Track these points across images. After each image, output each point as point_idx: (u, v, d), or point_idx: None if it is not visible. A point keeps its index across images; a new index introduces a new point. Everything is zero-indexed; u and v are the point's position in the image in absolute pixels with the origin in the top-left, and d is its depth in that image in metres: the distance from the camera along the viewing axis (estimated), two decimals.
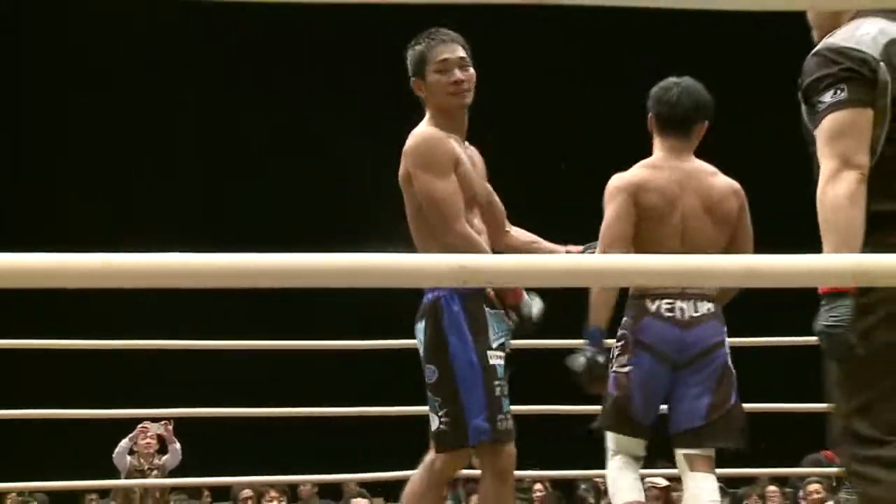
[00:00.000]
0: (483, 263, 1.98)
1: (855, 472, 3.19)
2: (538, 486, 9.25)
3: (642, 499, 4.54)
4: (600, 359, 4.40)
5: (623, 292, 4.59)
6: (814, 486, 9.12)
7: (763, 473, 9.02)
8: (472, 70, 4.09)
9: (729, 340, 4.63)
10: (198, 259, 1.66)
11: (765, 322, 6.53)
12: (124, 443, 8.79)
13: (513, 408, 4.19)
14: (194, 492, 10.52)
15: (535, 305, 4.35)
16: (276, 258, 1.67)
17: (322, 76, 14.91)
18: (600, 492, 9.38)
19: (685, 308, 4.43)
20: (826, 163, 3.03)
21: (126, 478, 8.74)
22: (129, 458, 8.90)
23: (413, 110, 4.29)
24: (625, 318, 4.57)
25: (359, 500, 8.45)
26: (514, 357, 4.25)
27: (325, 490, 9.29)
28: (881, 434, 3.07)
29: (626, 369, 4.44)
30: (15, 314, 6.07)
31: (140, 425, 8.81)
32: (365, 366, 7.96)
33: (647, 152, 4.70)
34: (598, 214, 4.51)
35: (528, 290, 4.16)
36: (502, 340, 4.15)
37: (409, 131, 4.22)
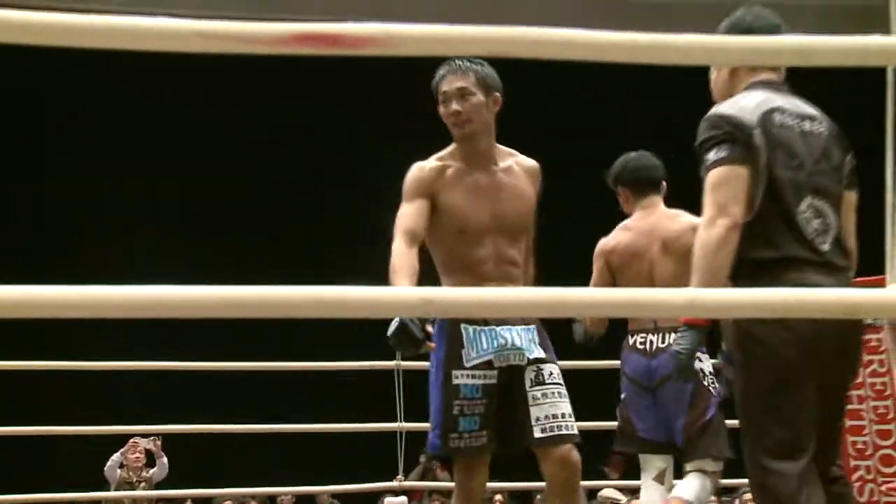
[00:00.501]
0: (445, 296, 2.04)
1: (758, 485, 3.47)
2: (498, 496, 9.24)
3: None
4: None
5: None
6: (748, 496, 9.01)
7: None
8: (474, 99, 3.83)
9: None
10: (181, 292, 1.71)
11: None
12: (116, 457, 8.85)
13: None
14: (179, 503, 10.54)
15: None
16: (253, 291, 1.72)
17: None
18: None
19: (654, 340, 4.77)
20: (706, 210, 3.33)
21: (116, 489, 8.77)
22: (119, 471, 8.96)
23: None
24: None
25: None
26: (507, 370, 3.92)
27: (301, 500, 9.30)
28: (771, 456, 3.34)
29: (622, 396, 4.97)
30: (12, 336, 6.07)
31: (130, 441, 8.87)
32: (340, 383, 7.95)
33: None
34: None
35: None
36: (486, 358, 3.86)
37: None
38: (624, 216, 5.20)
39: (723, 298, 2.10)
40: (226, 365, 6.71)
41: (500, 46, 1.88)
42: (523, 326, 3.87)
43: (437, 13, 6.31)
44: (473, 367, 3.86)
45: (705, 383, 4.73)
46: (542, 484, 8.16)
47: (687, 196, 4.21)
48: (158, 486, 8.99)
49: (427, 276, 3.96)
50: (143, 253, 12.53)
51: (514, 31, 1.87)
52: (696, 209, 3.84)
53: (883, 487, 5.96)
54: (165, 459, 9.03)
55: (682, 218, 4.94)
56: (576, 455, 3.88)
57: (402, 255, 3.84)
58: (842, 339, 3.40)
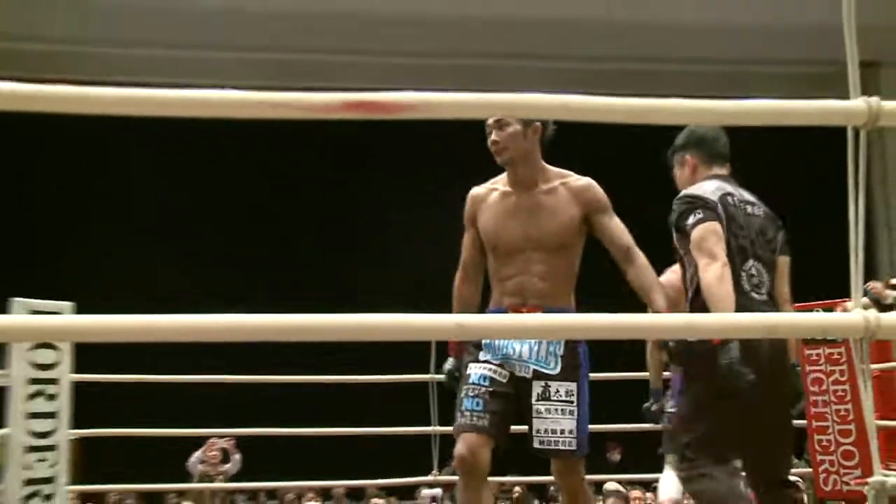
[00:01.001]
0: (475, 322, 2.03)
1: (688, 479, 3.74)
2: (517, 488, 9.17)
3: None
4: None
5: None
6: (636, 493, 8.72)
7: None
8: (510, 129, 3.70)
9: None
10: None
11: None
12: (197, 454, 8.90)
13: None
14: (252, 494, 10.58)
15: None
16: (307, 318, 1.74)
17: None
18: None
19: None
20: (699, 260, 3.61)
21: (198, 482, 8.80)
22: (200, 466, 9.01)
23: None
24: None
25: (376, 500, 8.50)
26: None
27: (352, 492, 9.30)
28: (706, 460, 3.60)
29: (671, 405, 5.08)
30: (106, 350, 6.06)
31: (209, 441, 8.91)
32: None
33: None
34: None
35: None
36: (497, 362, 3.70)
37: None
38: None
39: (709, 322, 2.07)
40: (284, 378, 6.78)
41: (502, 111, 1.88)
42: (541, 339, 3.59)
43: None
44: (484, 362, 3.74)
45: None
46: (426, 478, 8.20)
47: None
48: (232, 479, 9.04)
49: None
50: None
51: (513, 97, 1.89)
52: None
53: (845, 478, 6.19)
54: (238, 456, 9.07)
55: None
56: (572, 468, 3.74)
57: (456, 290, 3.99)
58: (780, 357, 3.73)
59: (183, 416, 6.88)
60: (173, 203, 13.52)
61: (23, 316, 5.68)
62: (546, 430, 3.63)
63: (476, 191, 3.97)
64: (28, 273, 8.88)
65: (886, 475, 2.00)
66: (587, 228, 3.82)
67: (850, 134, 2.00)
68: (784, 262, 3.95)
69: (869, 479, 1.99)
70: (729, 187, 3.85)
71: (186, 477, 9.01)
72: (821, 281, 5.35)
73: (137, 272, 12.65)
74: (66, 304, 6.09)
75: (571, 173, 3.88)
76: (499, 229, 3.80)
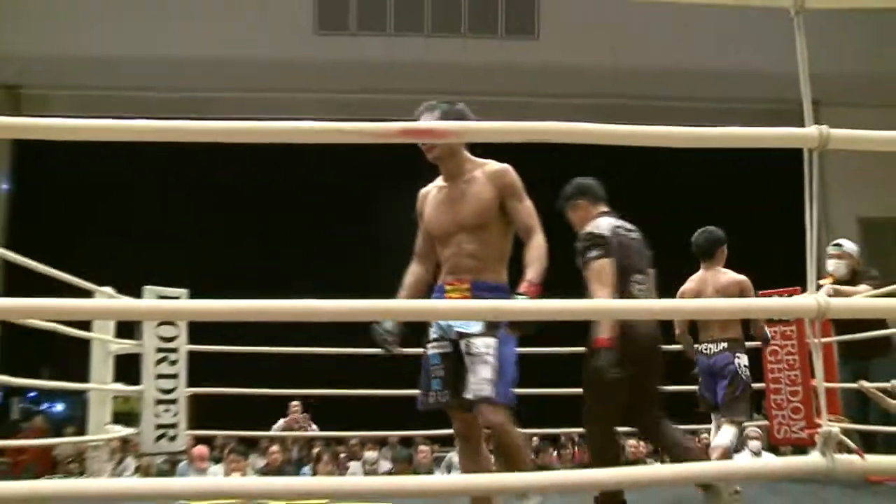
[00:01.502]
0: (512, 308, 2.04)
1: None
2: (534, 438, 9.07)
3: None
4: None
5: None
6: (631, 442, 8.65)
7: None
8: None
9: None
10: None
11: None
12: (281, 422, 8.75)
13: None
14: (326, 441, 10.49)
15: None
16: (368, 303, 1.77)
17: None
18: (573, 441, 9.27)
19: (712, 347, 5.13)
20: (594, 286, 3.89)
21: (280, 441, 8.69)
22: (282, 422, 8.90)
23: None
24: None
25: (422, 446, 8.45)
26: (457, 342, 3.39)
27: (403, 440, 9.24)
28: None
29: (699, 379, 5.25)
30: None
31: (291, 410, 8.76)
32: None
33: None
34: None
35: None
36: (438, 333, 3.44)
37: None
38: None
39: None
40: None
41: (521, 136, 1.89)
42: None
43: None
44: (433, 341, 3.44)
45: (739, 372, 5.05)
46: (571, 430, 8.11)
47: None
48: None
49: None
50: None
51: (533, 125, 1.90)
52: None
53: (793, 428, 6.52)
54: (315, 426, 8.85)
55: (727, 275, 5.19)
56: (493, 415, 3.22)
57: (408, 271, 3.65)
58: (654, 347, 4.12)
59: (271, 378, 6.94)
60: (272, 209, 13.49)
61: (152, 300, 5.76)
62: (471, 381, 3.22)
63: (423, 189, 3.68)
64: (158, 264, 8.89)
65: (831, 425, 1.99)
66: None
67: (805, 154, 2.03)
68: (651, 272, 4.30)
69: (819, 430, 1.99)
70: (616, 221, 4.17)
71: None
72: (781, 272, 5.40)
73: (243, 266, 12.71)
74: (183, 291, 6.16)
75: (491, 161, 3.52)
76: (433, 218, 3.52)
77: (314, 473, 7.71)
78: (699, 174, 11.04)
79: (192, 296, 6.15)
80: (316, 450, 8.33)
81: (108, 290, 5.97)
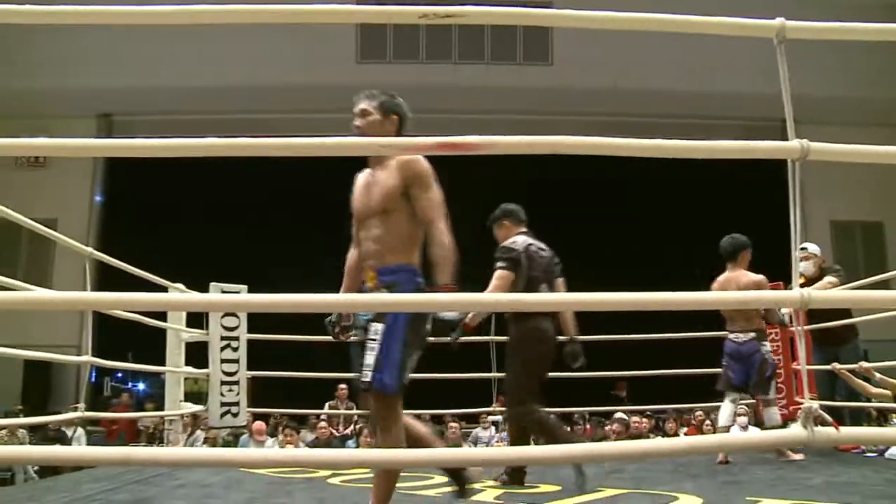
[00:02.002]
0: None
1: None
2: (552, 417, 9.02)
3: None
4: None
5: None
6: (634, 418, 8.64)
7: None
8: (371, 118, 3.00)
9: None
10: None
11: None
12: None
13: None
14: (366, 417, 10.44)
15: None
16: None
17: None
18: (585, 418, 9.22)
19: (741, 336, 5.18)
20: (493, 284, 4.19)
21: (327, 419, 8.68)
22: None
23: None
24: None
25: (452, 423, 8.44)
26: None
27: (434, 418, 9.20)
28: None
29: (725, 363, 5.28)
30: None
31: (338, 392, 8.76)
32: None
33: None
34: None
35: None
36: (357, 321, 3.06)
37: None
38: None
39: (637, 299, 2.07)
40: None
41: (543, 148, 1.90)
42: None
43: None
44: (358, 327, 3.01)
45: (766, 358, 5.15)
46: (586, 409, 8.06)
47: None
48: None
49: None
50: None
51: (552, 138, 1.91)
52: None
53: (777, 406, 6.10)
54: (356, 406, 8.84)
55: (747, 276, 5.19)
56: (375, 402, 2.83)
57: (347, 258, 3.24)
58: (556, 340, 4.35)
59: (319, 363, 6.94)
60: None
61: (216, 294, 5.82)
62: (363, 365, 2.82)
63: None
64: (221, 263, 8.97)
65: (812, 402, 1.98)
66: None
67: (789, 164, 2.03)
68: (560, 282, 4.46)
69: (802, 406, 1.98)
70: (530, 239, 4.41)
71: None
72: (768, 268, 5.39)
73: (293, 265, 12.74)
74: (243, 287, 6.21)
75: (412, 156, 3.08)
76: (354, 203, 3.10)
77: (357, 447, 7.73)
78: (685, 187, 11.06)
79: (251, 291, 6.23)
80: (358, 426, 8.34)
81: (180, 286, 6.04)
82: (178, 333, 6.25)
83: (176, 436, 6.68)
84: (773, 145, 2.07)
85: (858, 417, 5.97)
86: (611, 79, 12.04)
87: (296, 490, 3.94)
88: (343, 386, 8.85)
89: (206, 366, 6.38)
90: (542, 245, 4.43)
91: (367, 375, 2.77)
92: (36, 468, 7.73)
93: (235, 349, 6.45)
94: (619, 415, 8.24)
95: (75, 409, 5.11)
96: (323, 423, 8.22)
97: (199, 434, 7.95)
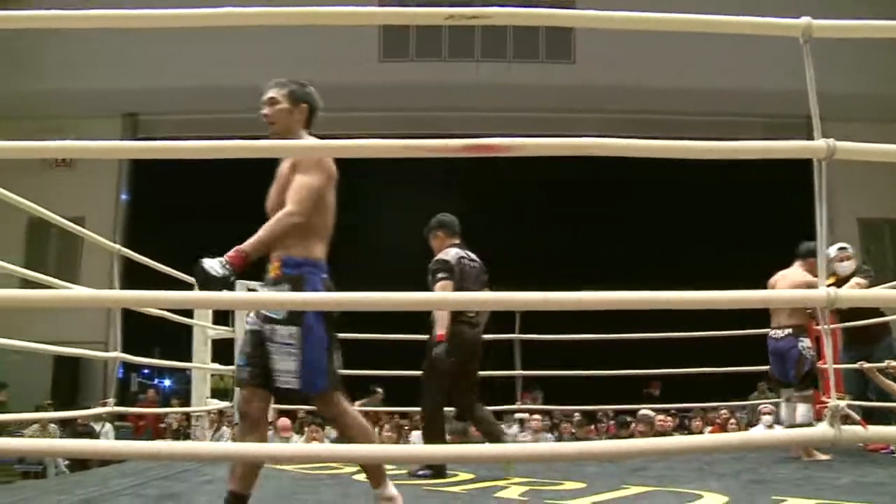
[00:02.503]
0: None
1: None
2: (576, 415, 8.99)
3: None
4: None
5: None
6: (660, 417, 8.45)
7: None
8: (279, 106, 2.89)
9: None
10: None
11: None
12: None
13: None
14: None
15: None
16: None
17: None
18: (607, 416, 9.18)
19: (778, 333, 5.27)
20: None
21: None
22: None
23: None
24: None
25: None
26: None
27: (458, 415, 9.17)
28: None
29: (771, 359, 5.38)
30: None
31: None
32: None
33: None
34: None
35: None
36: (250, 313, 3.00)
37: None
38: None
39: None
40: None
41: (575, 150, 1.90)
42: (274, 287, 2.76)
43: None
44: (249, 318, 2.95)
45: (804, 354, 5.20)
46: (609, 407, 7.99)
47: None
48: None
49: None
50: None
51: (583, 140, 1.90)
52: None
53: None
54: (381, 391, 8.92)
55: (804, 276, 5.26)
56: (320, 402, 2.81)
57: None
58: (477, 344, 4.67)
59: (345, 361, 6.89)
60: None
61: (242, 293, 5.86)
62: (278, 371, 2.69)
63: None
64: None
65: (839, 401, 1.97)
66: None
67: (815, 164, 2.01)
68: (486, 291, 4.58)
69: (829, 404, 1.97)
70: (462, 252, 4.63)
71: None
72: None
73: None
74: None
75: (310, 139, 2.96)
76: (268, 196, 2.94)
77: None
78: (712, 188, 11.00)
79: None
80: (380, 421, 8.36)
81: None
82: (205, 330, 6.30)
83: (202, 432, 6.74)
84: (798, 145, 2.07)
85: (887, 417, 5.92)
86: (633, 76, 11.98)
87: (322, 486, 3.98)
88: (379, 389, 8.96)
89: (231, 363, 6.43)
90: (473, 256, 4.69)
91: (293, 382, 2.67)
92: (66, 462, 7.84)
93: None
94: (644, 412, 8.17)
95: (104, 405, 5.18)
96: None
97: (225, 430, 8.01)
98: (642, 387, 10.32)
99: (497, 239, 4.73)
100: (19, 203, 3.92)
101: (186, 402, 7.35)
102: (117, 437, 8.70)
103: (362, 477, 4.30)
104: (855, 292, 4.38)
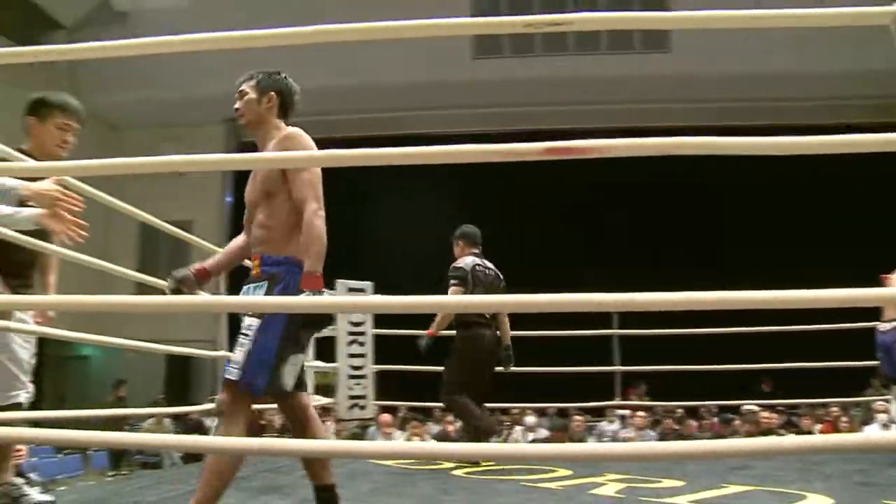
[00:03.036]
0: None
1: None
2: (577, 416, 8.71)
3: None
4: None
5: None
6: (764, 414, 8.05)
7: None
8: (248, 97, 2.88)
9: None
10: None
11: None
12: None
13: None
14: (491, 410, 10.42)
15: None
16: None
17: None
18: (710, 412, 8.99)
19: (885, 326, 5.07)
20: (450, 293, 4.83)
21: None
22: None
23: None
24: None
25: (577, 416, 8.33)
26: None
27: (559, 412, 9.16)
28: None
29: (879, 355, 5.20)
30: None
31: None
32: None
33: None
34: None
35: None
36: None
37: None
38: None
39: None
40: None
41: (653, 151, 1.88)
42: (254, 285, 2.71)
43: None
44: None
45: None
46: (611, 403, 7.84)
47: None
48: None
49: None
50: None
51: (670, 140, 1.89)
52: None
53: None
54: None
55: None
56: (231, 396, 2.61)
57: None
58: (494, 344, 5.00)
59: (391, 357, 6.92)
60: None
61: (344, 297, 6.04)
62: (229, 360, 2.64)
63: None
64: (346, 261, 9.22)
65: None
66: None
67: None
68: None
69: None
70: (479, 260, 5.11)
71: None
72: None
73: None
74: (368, 284, 6.42)
75: (293, 129, 2.86)
76: (246, 189, 2.93)
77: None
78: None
79: (376, 289, 6.44)
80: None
81: None
82: None
83: None
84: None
85: None
86: (731, 64, 11.71)
87: (420, 480, 4.06)
88: None
89: (334, 360, 6.64)
90: (489, 264, 5.15)
91: (233, 373, 2.58)
92: (180, 454, 8.24)
93: (362, 344, 6.68)
94: (748, 407, 7.96)
95: (212, 401, 5.44)
96: (449, 416, 8.34)
97: (329, 426, 8.24)
98: (751, 383, 10.02)
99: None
100: (131, 212, 4.18)
101: None
102: None
103: (460, 472, 4.40)
104: None
